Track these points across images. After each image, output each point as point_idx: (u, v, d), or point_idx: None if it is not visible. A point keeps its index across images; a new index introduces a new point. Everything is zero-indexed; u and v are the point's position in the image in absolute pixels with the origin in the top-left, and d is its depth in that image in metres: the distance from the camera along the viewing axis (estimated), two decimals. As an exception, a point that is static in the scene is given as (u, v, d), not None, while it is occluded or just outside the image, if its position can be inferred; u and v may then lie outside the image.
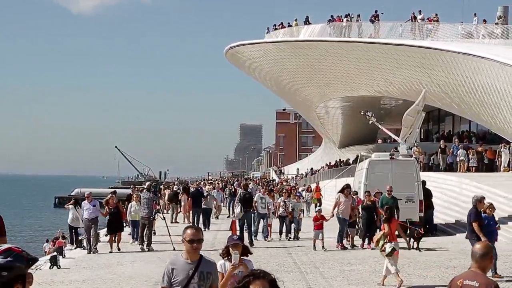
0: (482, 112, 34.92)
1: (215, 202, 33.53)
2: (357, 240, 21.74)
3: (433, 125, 56.85)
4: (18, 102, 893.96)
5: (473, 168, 35.62)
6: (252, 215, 23.08)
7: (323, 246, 20.32)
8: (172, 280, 6.45)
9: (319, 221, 20.72)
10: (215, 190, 36.27)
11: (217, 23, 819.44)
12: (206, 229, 28.26)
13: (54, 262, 17.51)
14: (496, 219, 23.79)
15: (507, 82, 30.34)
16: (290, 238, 23.66)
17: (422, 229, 20.18)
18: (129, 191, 42.96)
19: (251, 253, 7.63)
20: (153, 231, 22.68)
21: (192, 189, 33.19)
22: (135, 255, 19.79)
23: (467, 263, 17.30)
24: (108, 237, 22.35)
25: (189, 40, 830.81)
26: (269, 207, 23.65)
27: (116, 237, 21.21)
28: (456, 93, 36.37)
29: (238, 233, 21.06)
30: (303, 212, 28.30)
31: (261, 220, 23.17)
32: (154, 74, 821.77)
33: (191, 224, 28.85)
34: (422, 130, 47.25)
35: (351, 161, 51.25)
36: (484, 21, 39.67)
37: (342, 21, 44.91)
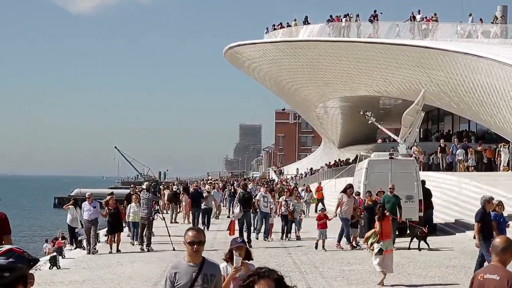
0: (481, 112, 34.94)
1: (214, 203, 33.49)
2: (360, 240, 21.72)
3: (433, 125, 56.86)
4: (18, 102, 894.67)
5: (472, 168, 35.63)
6: (252, 215, 23.08)
7: (323, 246, 20.31)
8: (175, 284, 6.31)
9: (322, 221, 20.72)
10: (215, 190, 36.28)
11: (216, 23, 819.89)
12: (206, 229, 28.30)
13: (53, 262, 17.52)
14: (506, 215, 23.91)
15: (506, 81, 30.35)
16: (289, 238, 23.64)
17: (426, 228, 20.08)
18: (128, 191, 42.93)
19: (252, 259, 7.46)
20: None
21: (191, 190, 33.20)
22: (135, 255, 19.79)
23: (467, 263, 17.41)
24: (107, 237, 22.37)
25: (188, 40, 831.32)
26: (271, 207, 23.64)
27: (116, 238, 21.16)
28: (455, 93, 36.39)
29: (237, 233, 21.10)
30: (303, 213, 28.29)
31: (264, 219, 23.10)
32: (154, 74, 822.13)
33: (191, 224, 28.91)
34: (421, 129, 47.26)
35: (350, 161, 51.26)
36: (481, 20, 39.70)
37: (341, 21, 44.92)
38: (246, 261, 7.23)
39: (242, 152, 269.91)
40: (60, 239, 28.76)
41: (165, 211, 34.00)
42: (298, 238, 23.68)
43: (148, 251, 20.59)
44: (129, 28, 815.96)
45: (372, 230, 15.04)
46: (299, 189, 40.13)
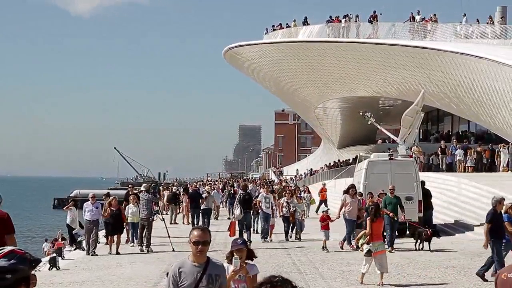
0: (481, 112, 34.96)
1: (213, 204, 33.46)
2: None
3: (432, 125, 56.89)
4: (18, 103, 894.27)
5: (471, 168, 35.63)
6: (252, 215, 23.04)
7: (323, 247, 20.27)
8: (179, 284, 6.22)
9: (325, 222, 20.66)
10: (215, 191, 36.26)
11: (216, 23, 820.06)
12: (198, 226, 28.31)
13: (53, 263, 17.52)
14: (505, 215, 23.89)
15: (506, 82, 30.38)
16: (290, 237, 23.60)
17: (430, 230, 19.94)
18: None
19: (256, 257, 7.43)
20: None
21: (190, 190, 33.22)
22: (134, 256, 19.78)
23: (466, 263, 17.40)
24: (106, 239, 22.36)
25: (188, 40, 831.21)
26: (273, 208, 23.60)
27: (116, 240, 21.08)
28: (455, 93, 36.42)
29: (237, 234, 21.10)
30: (304, 213, 28.19)
31: (265, 220, 23.07)
32: (154, 74, 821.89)
33: (196, 225, 28.93)
34: (421, 130, 47.30)
35: (350, 162, 51.27)
36: (478, 21, 39.75)
37: (341, 21, 44.94)
38: (249, 261, 7.19)
39: (242, 153, 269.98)
40: (59, 240, 28.76)
41: (164, 212, 34.00)
42: (299, 238, 23.65)
43: (148, 252, 20.57)
44: (129, 28, 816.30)
45: (362, 231, 15.09)
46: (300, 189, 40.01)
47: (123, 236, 22.25)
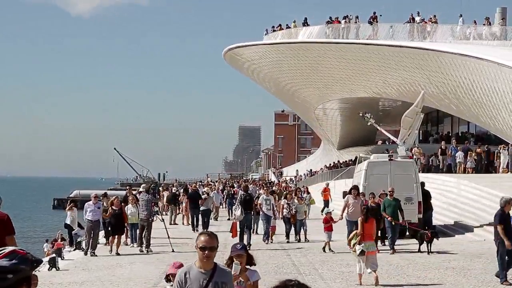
0: (480, 113, 34.97)
1: (212, 204, 33.46)
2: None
3: (432, 126, 56.91)
4: (18, 103, 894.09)
5: (471, 170, 35.64)
6: (252, 217, 23.01)
7: (324, 248, 20.24)
8: None
9: (329, 223, 20.59)
10: (215, 192, 36.25)
11: (216, 23, 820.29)
12: (206, 231, 28.28)
13: (53, 264, 17.52)
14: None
15: (506, 83, 30.39)
16: (296, 240, 23.59)
17: (430, 232, 19.80)
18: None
19: (255, 264, 7.27)
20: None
21: (190, 190, 33.22)
22: (134, 256, 19.78)
23: (466, 265, 17.39)
24: (106, 240, 22.35)
25: (188, 41, 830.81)
26: (274, 209, 23.53)
27: (116, 240, 21.04)
28: (455, 94, 36.43)
29: (238, 235, 21.09)
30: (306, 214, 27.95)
31: (267, 222, 23.04)
32: (153, 75, 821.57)
33: (196, 225, 28.93)
34: (420, 131, 47.32)
35: (350, 162, 51.28)
36: (475, 22, 39.78)
37: (340, 22, 44.96)
38: (248, 266, 7.08)
39: (242, 154, 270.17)
40: (59, 240, 28.75)
41: (164, 213, 34.00)
42: (305, 239, 23.64)
43: (147, 252, 20.57)
44: (129, 28, 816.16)
45: (354, 232, 15.15)
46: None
47: (123, 237, 22.23)
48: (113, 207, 21.31)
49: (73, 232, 27.26)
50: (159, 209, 30.63)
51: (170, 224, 30.74)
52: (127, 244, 22.54)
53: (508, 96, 30.77)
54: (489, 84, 31.93)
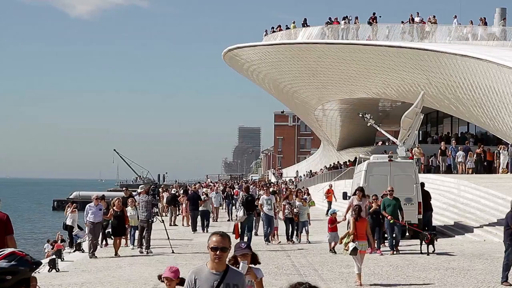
0: (480, 114, 34.95)
1: (211, 206, 33.40)
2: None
3: (432, 127, 56.93)
4: (17, 104, 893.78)
5: (470, 170, 35.67)
6: (254, 218, 22.98)
7: (331, 249, 20.13)
8: None
9: (334, 224, 20.50)
10: (214, 193, 36.26)
11: (216, 24, 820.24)
12: (206, 232, 28.32)
13: (52, 265, 17.51)
14: (505, 217, 23.84)
15: (505, 83, 30.37)
16: (296, 240, 23.54)
17: (429, 234, 19.68)
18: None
19: (259, 262, 7.21)
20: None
21: (190, 192, 33.23)
22: (134, 258, 19.77)
23: (466, 265, 17.39)
24: (102, 242, 22.29)
25: (187, 42, 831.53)
26: (276, 211, 23.48)
27: (117, 242, 20.94)
28: (454, 95, 36.42)
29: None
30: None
31: (268, 223, 22.99)
32: (153, 76, 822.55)
33: (195, 226, 28.92)
34: (420, 132, 47.32)
35: (349, 163, 51.29)
36: (471, 22, 39.80)
37: (340, 23, 44.96)
38: (252, 265, 7.02)
39: (241, 155, 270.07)
40: (59, 241, 28.74)
41: (164, 214, 33.99)
42: (299, 241, 23.58)
43: (147, 254, 20.55)
44: (129, 30, 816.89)
45: (346, 231, 15.19)
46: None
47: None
48: (115, 208, 21.24)
49: (73, 233, 27.28)
50: (159, 210, 30.64)
51: (170, 225, 30.75)
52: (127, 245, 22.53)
53: (507, 97, 30.75)
54: (489, 85, 31.91)
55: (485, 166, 36.36)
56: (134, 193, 26.25)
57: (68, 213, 28.04)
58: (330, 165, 61.47)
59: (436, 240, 19.54)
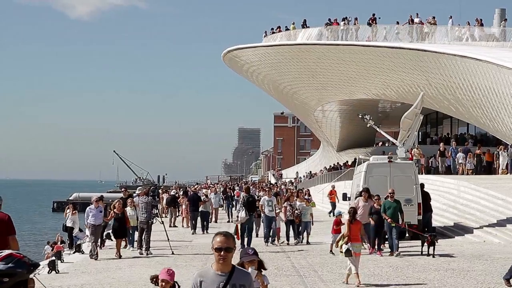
0: (480, 115, 34.95)
1: (210, 207, 33.35)
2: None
3: (431, 128, 56.92)
4: (17, 105, 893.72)
5: (470, 171, 35.65)
6: (254, 219, 22.94)
7: (331, 250, 20.07)
8: None
9: (339, 226, 20.29)
10: (212, 194, 36.24)
11: (215, 25, 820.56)
12: (206, 233, 28.33)
13: (52, 266, 17.49)
14: (505, 218, 23.84)
15: (505, 84, 30.37)
16: (299, 241, 23.46)
17: (430, 236, 19.58)
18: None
19: (266, 269, 7.13)
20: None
21: (190, 193, 33.21)
22: (134, 259, 19.75)
23: (465, 266, 17.36)
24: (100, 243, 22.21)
25: (187, 43, 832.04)
26: (277, 211, 23.46)
27: (119, 243, 20.84)
28: (454, 96, 36.42)
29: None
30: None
31: (268, 224, 22.95)
32: (153, 77, 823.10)
33: (195, 227, 28.90)
34: (420, 133, 47.29)
35: (349, 164, 51.26)
36: (468, 23, 39.81)
37: (339, 24, 44.96)
38: (258, 271, 6.94)
39: (241, 156, 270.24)
40: (59, 243, 28.72)
41: (164, 215, 33.97)
42: (306, 242, 23.54)
43: (147, 255, 20.52)
44: (128, 31, 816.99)
45: (342, 233, 15.20)
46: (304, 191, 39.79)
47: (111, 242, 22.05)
48: (115, 210, 21.19)
49: (74, 234, 27.25)
50: (158, 211, 30.62)
51: (170, 226, 30.74)
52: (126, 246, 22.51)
53: (507, 98, 30.75)
54: (489, 86, 31.91)
55: (485, 167, 36.33)
56: (134, 194, 26.22)
57: (68, 215, 28.01)
58: (330, 166, 61.43)
59: (437, 242, 19.49)
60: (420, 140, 50.90)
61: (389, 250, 20.07)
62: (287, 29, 50.66)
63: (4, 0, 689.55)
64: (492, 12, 43.86)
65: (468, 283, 14.47)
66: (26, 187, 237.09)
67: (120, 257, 20.04)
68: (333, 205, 38.14)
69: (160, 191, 43.24)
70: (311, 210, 24.93)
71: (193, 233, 28.46)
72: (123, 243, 21.96)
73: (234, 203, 39.32)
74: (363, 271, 16.12)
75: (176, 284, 7.56)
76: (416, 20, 41.61)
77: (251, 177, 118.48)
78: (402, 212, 20.49)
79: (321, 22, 47.45)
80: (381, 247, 20.45)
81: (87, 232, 22.57)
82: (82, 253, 22.13)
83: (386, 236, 20.89)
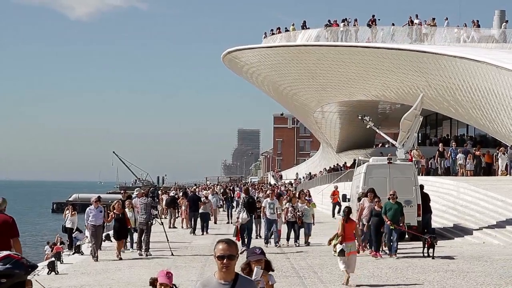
0: (479, 116, 34.96)
1: (210, 208, 33.32)
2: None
3: (431, 129, 56.90)
4: (16, 106, 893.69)
5: (470, 172, 35.63)
6: (254, 220, 22.92)
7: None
8: None
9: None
10: (211, 195, 36.21)
11: (215, 26, 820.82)
12: (205, 233, 28.32)
13: (52, 267, 17.48)
14: (504, 219, 23.83)
15: (505, 85, 30.38)
16: (298, 244, 23.47)
17: (430, 238, 19.51)
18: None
19: (273, 270, 7.04)
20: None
21: (189, 194, 33.19)
22: (133, 260, 19.74)
23: (465, 267, 17.35)
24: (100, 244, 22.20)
25: (187, 44, 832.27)
26: (278, 213, 23.44)
27: (120, 244, 20.81)
28: (453, 97, 36.42)
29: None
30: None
31: (269, 227, 22.93)
32: (152, 78, 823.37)
33: (194, 229, 28.88)
34: (419, 134, 47.27)
35: (349, 165, 51.24)
36: (465, 25, 39.85)
37: (339, 25, 44.97)
38: (265, 270, 6.89)
39: (241, 157, 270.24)
40: (58, 244, 28.70)
41: (163, 216, 33.95)
42: (307, 243, 23.56)
43: (147, 256, 20.50)
44: (128, 32, 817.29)
45: (335, 233, 15.23)
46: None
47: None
48: (115, 211, 21.16)
49: (73, 235, 27.24)
50: (158, 212, 30.60)
51: (169, 227, 30.72)
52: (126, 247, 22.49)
53: (507, 99, 30.76)
54: (488, 87, 31.92)
55: (484, 169, 36.32)
56: (132, 196, 26.19)
57: (67, 216, 28.01)
58: (330, 167, 61.41)
59: (436, 243, 19.45)
60: (419, 141, 50.89)
61: (388, 252, 20.04)
62: (286, 30, 50.67)
63: (4, 0, 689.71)
64: (492, 13, 43.92)
65: (468, 285, 14.46)
66: (25, 188, 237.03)
67: (120, 259, 20.01)
68: (335, 206, 38.24)
69: (159, 192, 43.24)
70: (313, 211, 24.93)
71: (191, 233, 28.49)
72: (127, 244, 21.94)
73: (234, 204, 39.32)
74: (363, 272, 16.13)
75: (175, 287, 7.54)
76: (416, 21, 41.63)
77: (251, 178, 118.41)
78: (403, 215, 20.37)
79: (321, 23, 47.52)
80: (381, 249, 20.42)
81: (87, 233, 22.55)
82: (82, 254, 22.12)
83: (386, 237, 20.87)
